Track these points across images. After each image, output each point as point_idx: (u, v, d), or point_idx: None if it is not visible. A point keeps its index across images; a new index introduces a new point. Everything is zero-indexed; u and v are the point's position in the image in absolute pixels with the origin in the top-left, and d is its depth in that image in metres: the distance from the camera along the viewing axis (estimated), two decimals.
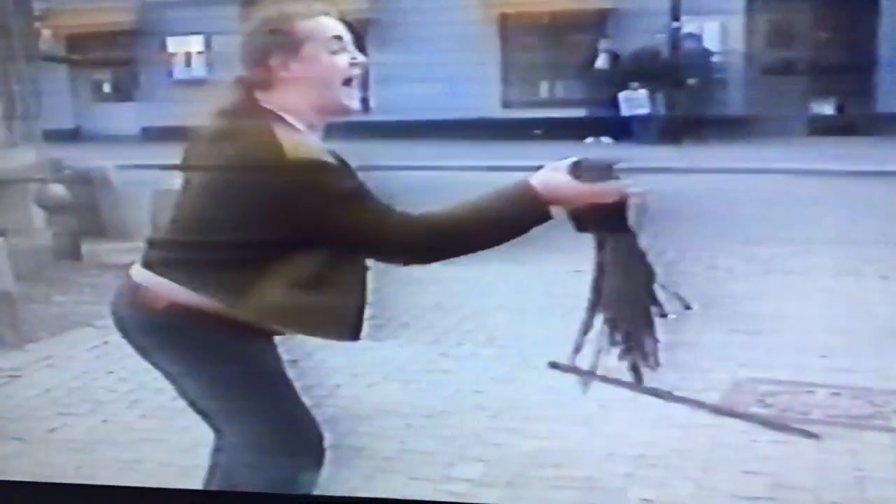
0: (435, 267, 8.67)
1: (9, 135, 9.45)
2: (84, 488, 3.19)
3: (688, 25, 20.06)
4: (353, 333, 3.01)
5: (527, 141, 17.73)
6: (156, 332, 2.91)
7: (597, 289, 3.00)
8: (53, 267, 8.58)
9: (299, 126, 2.86)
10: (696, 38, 20.17)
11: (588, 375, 5.59)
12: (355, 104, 2.97)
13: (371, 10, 21.35)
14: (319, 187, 2.75)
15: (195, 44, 22.87)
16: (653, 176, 12.44)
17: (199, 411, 3.08)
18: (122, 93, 24.66)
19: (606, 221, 2.90)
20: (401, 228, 2.87)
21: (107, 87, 25.09)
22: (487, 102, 20.57)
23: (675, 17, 19.96)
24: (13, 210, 8.83)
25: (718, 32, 20.40)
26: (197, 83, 21.59)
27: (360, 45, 3.02)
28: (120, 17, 22.81)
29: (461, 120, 17.13)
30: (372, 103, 21.67)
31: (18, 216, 8.86)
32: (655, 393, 5.26)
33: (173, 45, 22.78)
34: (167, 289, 2.85)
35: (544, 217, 2.89)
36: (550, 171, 2.90)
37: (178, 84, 21.72)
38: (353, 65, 2.95)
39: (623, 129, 19.05)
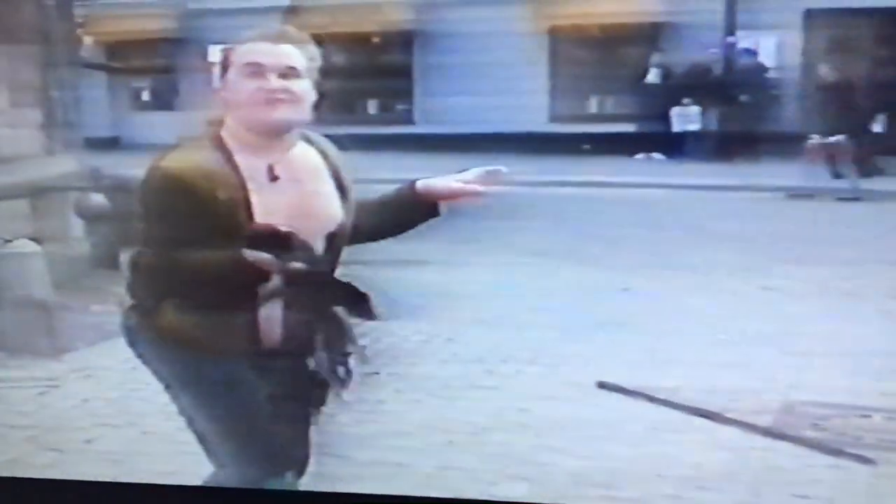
0: (477, 281, 8.74)
1: (48, 143, 9.56)
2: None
3: (743, 40, 19.99)
4: (252, 347, 3.14)
5: (575, 156, 17.73)
6: (149, 344, 3.20)
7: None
8: (91, 276, 8.67)
9: (236, 145, 3.10)
10: (752, 52, 20.09)
11: (636, 395, 5.66)
12: (279, 117, 3.12)
13: (417, 21, 21.47)
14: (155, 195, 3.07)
15: None
16: (705, 193, 12.46)
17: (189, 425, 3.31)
18: (162, 101, 24.85)
19: None
20: None
21: (146, 96, 25.30)
22: (535, 116, 20.58)
23: (731, 32, 19.89)
24: (51, 218, 8.94)
25: (774, 47, 20.30)
26: None
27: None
28: (161, 24, 23.03)
29: (507, 133, 17.13)
30: (416, 115, 21.88)
31: (57, 225, 8.97)
32: (706, 414, 5.29)
33: (214, 53, 22.97)
34: None
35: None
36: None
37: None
38: (260, 90, 3.10)
39: (674, 145, 19.00)
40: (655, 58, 20.61)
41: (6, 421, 5.44)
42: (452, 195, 3.36)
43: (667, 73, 20.44)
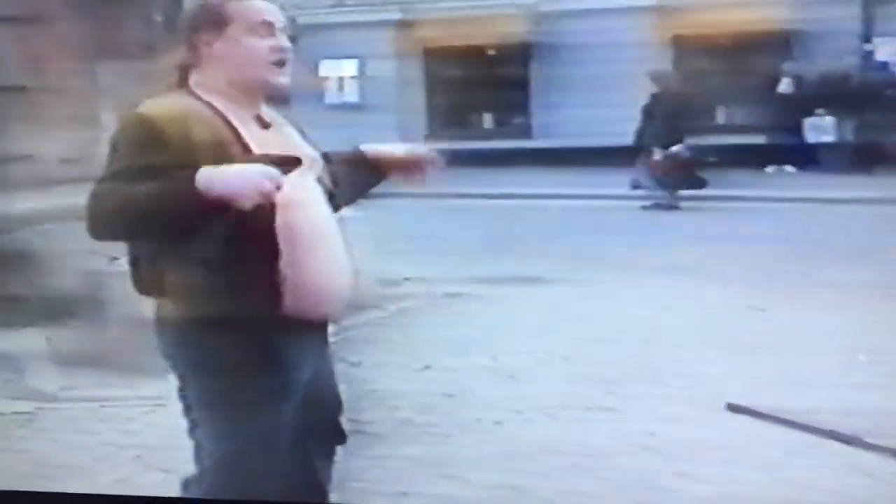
0: (596, 300, 8.69)
1: None
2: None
3: (880, 48, 19.64)
4: (273, 306, 3.01)
5: (702, 169, 17.56)
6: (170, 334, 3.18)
7: None
8: None
9: (220, 103, 3.03)
10: (889, 61, 19.74)
11: (768, 418, 5.55)
12: (283, 82, 3.11)
13: (534, 32, 21.48)
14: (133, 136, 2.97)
15: (349, 68, 23.32)
16: (842, 206, 12.21)
17: (191, 421, 3.25)
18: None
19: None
20: None
21: None
22: None
23: (867, 39, 19.56)
24: None
25: None
26: (349, 108, 22.02)
27: None
28: None
29: (628, 147, 17.01)
30: (534, 129, 21.87)
31: None
32: (843, 438, 5.16)
33: (326, 69, 23.24)
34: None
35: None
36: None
37: (330, 109, 22.15)
38: (276, 49, 3.09)
39: (807, 157, 18.72)
40: (787, 67, 20.34)
41: (113, 440, 5.55)
42: (398, 163, 3.40)
43: (799, 83, 20.15)
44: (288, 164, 2.92)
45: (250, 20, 3.09)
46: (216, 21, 3.09)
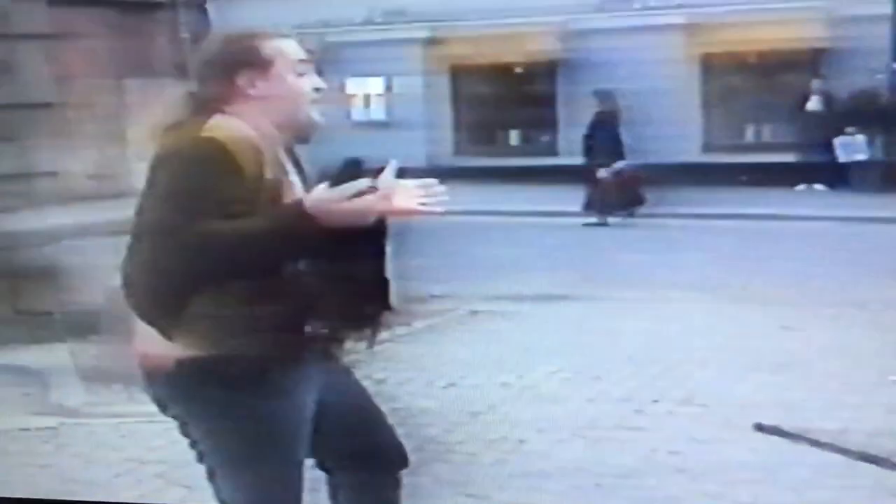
0: (624, 318, 8.69)
1: None
2: None
3: None
4: (297, 344, 2.97)
5: (730, 187, 17.50)
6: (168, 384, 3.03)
7: None
8: None
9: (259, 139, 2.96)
10: None
11: (796, 438, 5.50)
12: (320, 120, 3.08)
13: (561, 50, 21.47)
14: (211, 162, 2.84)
15: (375, 85, 23.36)
16: (873, 226, 12.13)
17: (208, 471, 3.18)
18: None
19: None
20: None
21: None
22: (687, 146, 20.38)
23: None
24: None
25: None
26: (376, 126, 22.04)
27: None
28: None
29: (657, 164, 16.98)
30: (560, 146, 21.84)
31: None
32: (874, 459, 5.12)
33: (353, 85, 23.29)
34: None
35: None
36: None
37: (357, 126, 22.18)
38: (316, 89, 3.08)
39: (837, 176, 18.64)
40: (816, 84, 20.26)
41: (136, 456, 5.55)
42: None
43: (828, 101, 20.06)
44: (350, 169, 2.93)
45: (291, 59, 3.06)
46: (259, 60, 3.03)
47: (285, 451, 3.04)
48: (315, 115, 3.08)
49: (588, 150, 16.76)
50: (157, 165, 2.90)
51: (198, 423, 3.07)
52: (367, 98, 23.58)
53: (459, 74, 22.78)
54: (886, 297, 8.96)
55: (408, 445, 5.49)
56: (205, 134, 2.89)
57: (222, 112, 2.97)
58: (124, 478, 5.28)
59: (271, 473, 3.04)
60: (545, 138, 22.46)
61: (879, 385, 6.42)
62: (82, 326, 6.90)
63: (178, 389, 3.01)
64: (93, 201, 8.15)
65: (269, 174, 2.89)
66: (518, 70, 22.79)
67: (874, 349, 7.33)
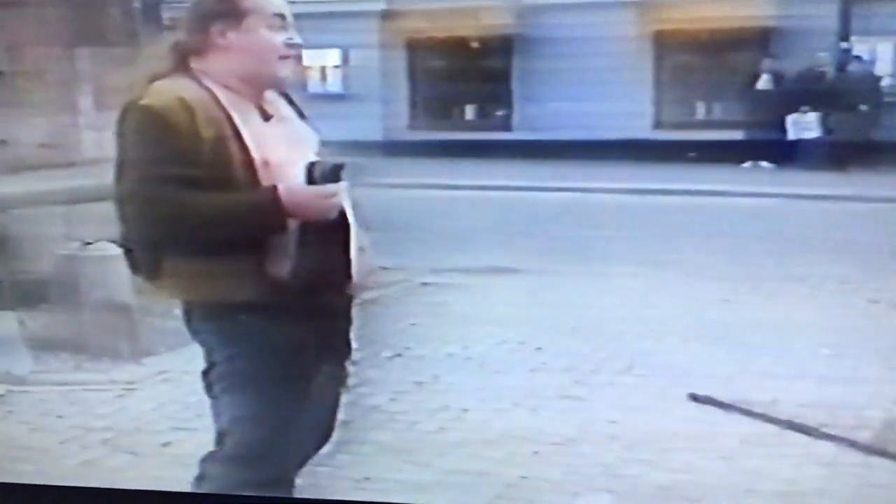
0: (571, 291, 8.73)
1: None
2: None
3: (857, 46, 19.71)
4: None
5: (679, 164, 17.60)
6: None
7: None
8: None
9: (224, 94, 3.06)
10: (863, 59, 19.82)
11: (729, 408, 5.61)
12: (289, 75, 3.17)
13: (517, 25, 21.49)
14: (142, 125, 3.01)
15: (331, 58, 23.27)
16: (816, 203, 12.24)
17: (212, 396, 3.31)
18: None
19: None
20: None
21: None
22: (638, 122, 20.47)
23: (844, 38, 19.62)
24: None
25: (892, 54, 20.01)
26: (332, 98, 21.99)
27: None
28: None
29: (609, 140, 17.08)
30: (514, 121, 21.89)
31: None
32: (802, 429, 5.23)
33: (308, 58, 23.21)
34: None
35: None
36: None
37: (313, 99, 22.11)
38: (289, 45, 3.14)
39: (783, 154, 18.78)
40: (766, 64, 20.39)
41: (83, 423, 5.57)
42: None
43: (778, 79, 20.20)
44: (337, 170, 3.06)
45: (266, 12, 3.11)
46: (234, 11, 3.09)
47: (291, 373, 3.19)
48: (284, 70, 3.13)
49: None
50: (117, 128, 3.09)
51: (222, 347, 3.21)
52: (323, 70, 23.49)
53: (416, 48, 22.74)
54: (824, 273, 9.10)
55: (352, 414, 5.59)
56: (142, 102, 3.00)
57: (188, 66, 3.09)
58: (70, 444, 5.30)
59: (278, 392, 3.18)
60: (500, 113, 22.48)
61: (811, 357, 6.53)
62: (31, 294, 6.90)
63: (212, 314, 3.17)
64: (43, 170, 8.13)
65: (205, 133, 2.96)
66: (474, 45, 22.76)
67: (809, 322, 7.46)
